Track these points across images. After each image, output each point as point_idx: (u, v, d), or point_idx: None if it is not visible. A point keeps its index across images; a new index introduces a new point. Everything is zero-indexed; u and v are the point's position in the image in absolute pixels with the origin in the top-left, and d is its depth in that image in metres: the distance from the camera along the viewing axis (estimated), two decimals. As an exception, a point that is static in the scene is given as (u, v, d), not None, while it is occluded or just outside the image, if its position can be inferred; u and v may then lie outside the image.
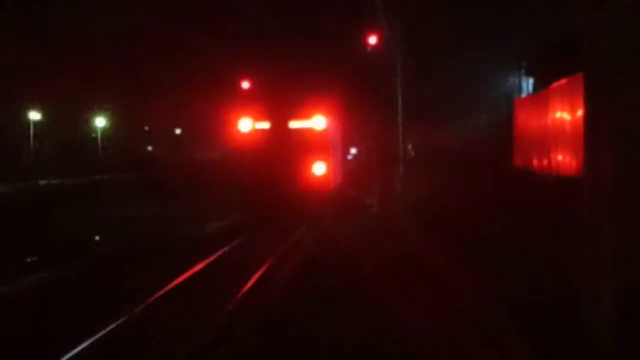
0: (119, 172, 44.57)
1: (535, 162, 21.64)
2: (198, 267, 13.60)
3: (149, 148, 64.82)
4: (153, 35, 43.42)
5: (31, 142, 53.43)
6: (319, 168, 26.27)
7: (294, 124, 27.08)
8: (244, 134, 27.60)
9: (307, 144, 26.38)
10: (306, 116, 28.55)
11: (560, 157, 18.52)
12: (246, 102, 37.59)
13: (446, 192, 20.98)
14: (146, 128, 63.68)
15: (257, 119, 28.00)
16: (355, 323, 9.01)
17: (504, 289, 9.64)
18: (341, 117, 33.01)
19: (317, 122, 26.92)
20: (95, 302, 10.68)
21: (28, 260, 15.29)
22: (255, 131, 27.50)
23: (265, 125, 27.52)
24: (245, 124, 27.77)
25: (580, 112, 14.29)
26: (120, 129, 58.54)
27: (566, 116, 18.02)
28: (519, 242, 12.20)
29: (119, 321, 9.59)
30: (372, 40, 32.42)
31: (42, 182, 38.97)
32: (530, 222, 13.45)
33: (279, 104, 31.29)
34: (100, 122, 58.77)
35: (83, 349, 8.63)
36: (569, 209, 7.88)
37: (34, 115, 53.17)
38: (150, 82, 49.69)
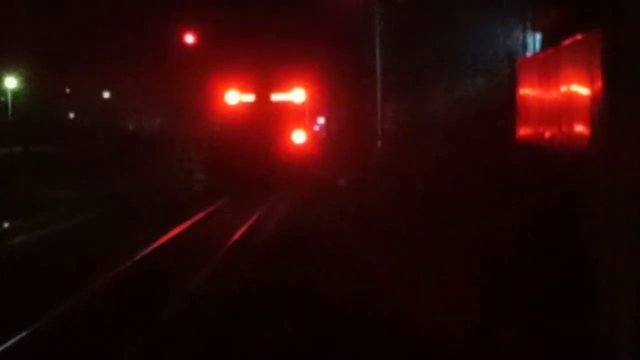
0: (33, 144, 44.10)
1: (541, 134, 21.60)
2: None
3: (71, 115, 64.10)
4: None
5: None
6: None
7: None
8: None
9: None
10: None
11: (570, 130, 18.49)
12: (190, 59, 38.17)
13: (433, 173, 21.04)
14: (67, 90, 62.88)
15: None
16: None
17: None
18: (298, 77, 33.24)
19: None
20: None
21: None
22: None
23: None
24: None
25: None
26: (36, 91, 57.69)
27: (581, 81, 17.96)
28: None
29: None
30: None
31: None
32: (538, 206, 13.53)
33: (237, 68, 32.86)
34: (10, 83, 57.88)
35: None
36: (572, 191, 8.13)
37: None
38: (73, 33, 49.07)
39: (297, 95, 32.61)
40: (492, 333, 9.10)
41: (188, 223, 20.67)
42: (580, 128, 18.00)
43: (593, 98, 15.85)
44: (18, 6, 46.55)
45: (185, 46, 41.84)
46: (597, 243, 6.49)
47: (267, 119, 31.97)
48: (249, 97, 32.79)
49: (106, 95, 64.24)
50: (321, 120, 41.17)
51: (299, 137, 32.19)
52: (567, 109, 19.04)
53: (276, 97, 32.71)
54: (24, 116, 56.51)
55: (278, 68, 33.02)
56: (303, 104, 32.83)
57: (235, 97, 32.86)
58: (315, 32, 35.24)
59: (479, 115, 27.36)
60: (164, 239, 18.10)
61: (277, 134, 31.84)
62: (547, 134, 21.12)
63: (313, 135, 35.91)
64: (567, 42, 19.38)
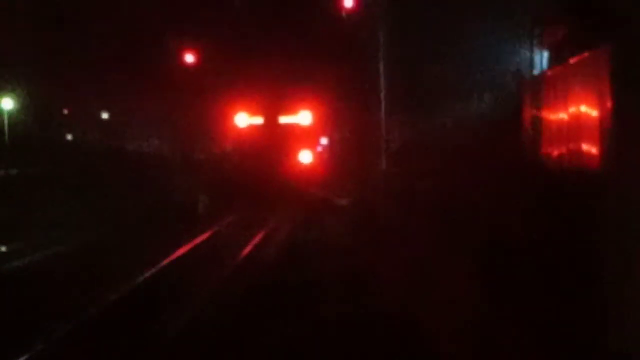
0: (29, 166, 44.04)
1: (550, 153, 21.59)
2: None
3: (69, 137, 64.10)
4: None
5: None
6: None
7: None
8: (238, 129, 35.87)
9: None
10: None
11: (579, 148, 18.47)
12: (193, 82, 38.98)
13: (438, 193, 21.02)
14: (65, 111, 62.92)
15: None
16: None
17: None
18: (305, 99, 34.38)
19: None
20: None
21: None
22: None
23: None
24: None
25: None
26: (33, 112, 57.70)
27: (590, 100, 17.95)
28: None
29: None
30: (348, 2, 32.30)
31: None
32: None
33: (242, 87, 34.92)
34: (6, 104, 57.89)
35: None
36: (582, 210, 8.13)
37: None
38: (71, 53, 49.15)
39: (304, 117, 34.68)
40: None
41: (195, 242, 20.92)
42: (589, 146, 17.98)
43: (603, 115, 15.85)
44: (15, 26, 46.68)
45: (186, 67, 42.05)
46: (609, 257, 6.50)
47: (275, 141, 34.27)
48: (257, 120, 35.19)
49: (105, 116, 64.33)
50: (324, 140, 41.23)
51: (305, 157, 34.20)
52: (576, 126, 19.02)
53: (283, 119, 34.91)
54: (21, 138, 56.51)
55: (285, 91, 35.23)
56: (310, 125, 34.89)
57: (243, 119, 35.33)
58: (320, 53, 35.58)
59: (485, 133, 27.35)
60: (170, 258, 18.19)
61: (284, 155, 34.03)
62: (555, 153, 21.10)
63: (318, 156, 36.48)
64: (575, 59, 19.38)
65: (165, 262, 17.81)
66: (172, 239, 21.14)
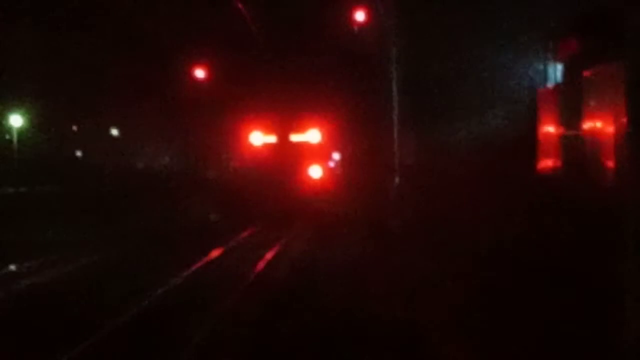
0: (39, 184, 44.19)
1: (563, 167, 21.56)
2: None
3: (78, 154, 64.25)
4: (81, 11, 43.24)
5: None
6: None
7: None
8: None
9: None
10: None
11: (593, 162, 18.44)
12: (201, 95, 39.41)
13: (458, 215, 20.87)
14: (74, 128, 63.06)
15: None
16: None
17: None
18: (315, 118, 35.45)
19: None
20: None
21: None
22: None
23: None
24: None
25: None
26: (42, 129, 57.82)
27: (603, 113, 17.93)
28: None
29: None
30: (360, 16, 32.34)
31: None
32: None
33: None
34: (15, 121, 58.11)
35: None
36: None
37: None
38: (80, 70, 49.28)
39: (313, 135, 36.93)
40: None
41: (205, 260, 20.98)
42: (603, 160, 17.95)
43: (617, 129, 15.82)
44: (23, 44, 46.87)
45: (197, 83, 42.26)
46: (624, 270, 6.49)
47: (287, 158, 36.47)
48: (270, 139, 37.44)
49: (114, 132, 64.43)
50: (337, 156, 41.28)
51: (315, 173, 36.25)
52: (590, 141, 19.00)
53: (295, 137, 37.15)
54: (30, 155, 56.62)
55: (296, 111, 37.26)
56: (319, 143, 36.97)
57: (257, 138, 37.59)
58: (332, 68, 35.96)
59: (499, 148, 27.29)
60: (180, 278, 18.18)
61: (296, 171, 36.16)
62: (568, 167, 21.08)
63: (330, 171, 37.25)
64: (588, 72, 19.38)
65: (173, 282, 17.72)
66: (183, 257, 21.17)
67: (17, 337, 12.66)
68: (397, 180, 28.71)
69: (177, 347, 11.79)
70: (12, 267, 20.35)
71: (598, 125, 18.58)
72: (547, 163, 23.98)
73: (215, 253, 22.59)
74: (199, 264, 20.30)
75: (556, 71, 29.04)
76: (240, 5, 36.07)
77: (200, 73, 43.23)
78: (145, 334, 12.84)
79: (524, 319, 11.87)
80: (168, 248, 23.84)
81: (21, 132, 59.03)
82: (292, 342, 12.16)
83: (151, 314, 14.31)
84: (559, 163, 22.49)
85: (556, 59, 27.70)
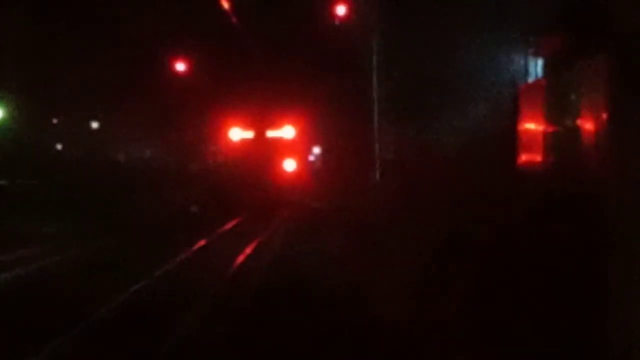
0: (19, 177, 43.96)
1: (544, 161, 21.61)
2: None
3: (58, 146, 63.92)
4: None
5: None
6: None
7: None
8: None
9: None
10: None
11: (575, 156, 18.50)
12: (181, 87, 39.49)
13: (437, 209, 20.81)
14: (54, 120, 62.73)
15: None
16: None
17: None
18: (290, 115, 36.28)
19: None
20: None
21: None
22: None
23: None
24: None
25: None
26: (21, 122, 57.42)
27: (586, 107, 17.98)
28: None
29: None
30: (341, 10, 32.31)
31: None
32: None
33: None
34: (-5, 114, 57.69)
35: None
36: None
37: None
38: (62, 61, 49.03)
39: (287, 131, 38.55)
40: None
41: (186, 254, 20.96)
42: (585, 155, 18.00)
43: (599, 125, 15.85)
44: (3, 35, 46.59)
45: (178, 77, 42.23)
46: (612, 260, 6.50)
47: (263, 153, 37.88)
48: (248, 134, 38.80)
49: (94, 125, 64.08)
50: (317, 149, 41.29)
51: (290, 166, 37.84)
52: (572, 136, 19.04)
53: (270, 133, 38.65)
54: (10, 147, 56.23)
55: (271, 108, 38.93)
56: (293, 138, 38.50)
57: (236, 133, 39.00)
58: (312, 63, 36.03)
59: (480, 143, 27.32)
60: (165, 268, 18.17)
61: (272, 165, 37.62)
62: (550, 161, 21.12)
63: (309, 165, 37.68)
64: (570, 67, 19.41)
65: (157, 273, 17.69)
66: (166, 247, 21.16)
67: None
68: (377, 175, 28.70)
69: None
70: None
71: (580, 120, 18.64)
72: (528, 157, 24.04)
73: (199, 243, 22.62)
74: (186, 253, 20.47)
75: (537, 66, 29.14)
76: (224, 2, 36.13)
77: (180, 66, 43.15)
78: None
79: (499, 316, 11.90)
80: (142, 241, 23.69)
81: (0, 125, 58.61)
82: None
83: (130, 306, 14.28)
84: (540, 158, 22.53)
85: (537, 54, 27.80)
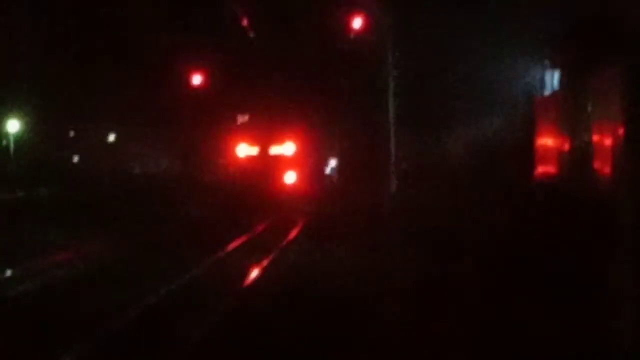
0: (36, 188, 44.22)
1: (561, 174, 21.67)
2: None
3: (75, 159, 64.15)
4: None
5: None
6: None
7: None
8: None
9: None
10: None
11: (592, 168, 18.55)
12: (197, 100, 39.77)
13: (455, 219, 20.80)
14: (71, 133, 62.97)
15: None
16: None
17: None
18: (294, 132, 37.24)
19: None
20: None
21: None
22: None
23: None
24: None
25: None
26: (39, 134, 57.71)
27: (602, 119, 18.05)
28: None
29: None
30: (357, 23, 32.48)
31: None
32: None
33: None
34: (12, 126, 57.91)
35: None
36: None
37: None
38: (78, 74, 49.30)
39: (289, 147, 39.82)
40: None
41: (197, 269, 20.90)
42: (602, 166, 18.06)
43: (615, 136, 15.91)
44: (20, 47, 46.91)
45: (193, 91, 42.55)
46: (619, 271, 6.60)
47: (268, 167, 39.19)
48: (256, 149, 40.43)
49: (111, 138, 64.27)
50: (333, 162, 41.49)
51: (290, 178, 39.25)
52: (589, 147, 19.10)
53: (274, 149, 39.93)
54: (27, 160, 56.53)
55: (278, 126, 40.07)
56: (308, 151, 39.84)
57: (243, 150, 40.75)
58: (327, 73, 36.22)
59: (496, 154, 27.38)
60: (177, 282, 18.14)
61: (275, 179, 39.00)
62: (566, 173, 21.17)
63: (326, 178, 38.29)
64: (587, 79, 19.49)
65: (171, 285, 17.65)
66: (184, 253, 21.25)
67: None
68: (394, 185, 28.78)
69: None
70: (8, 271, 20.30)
71: (597, 131, 18.70)
72: (545, 169, 24.10)
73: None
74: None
75: (553, 78, 29.17)
76: (238, 13, 36.35)
77: (197, 80, 43.39)
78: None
79: (510, 320, 11.98)
80: (154, 251, 23.63)
81: (17, 137, 58.88)
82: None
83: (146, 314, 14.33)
84: (557, 170, 22.60)
85: (554, 66, 27.84)
